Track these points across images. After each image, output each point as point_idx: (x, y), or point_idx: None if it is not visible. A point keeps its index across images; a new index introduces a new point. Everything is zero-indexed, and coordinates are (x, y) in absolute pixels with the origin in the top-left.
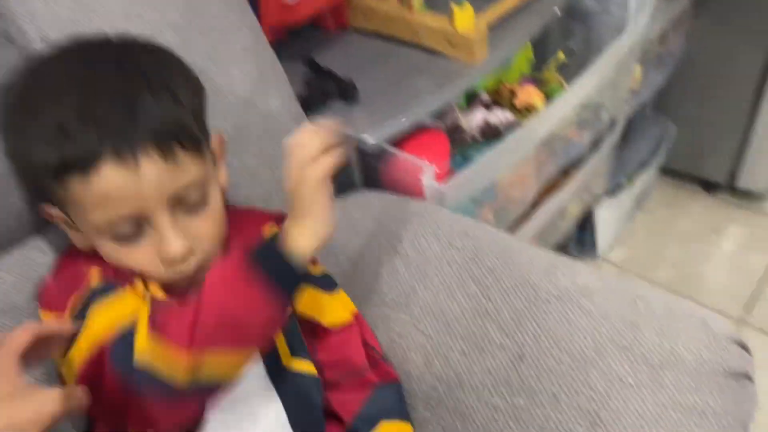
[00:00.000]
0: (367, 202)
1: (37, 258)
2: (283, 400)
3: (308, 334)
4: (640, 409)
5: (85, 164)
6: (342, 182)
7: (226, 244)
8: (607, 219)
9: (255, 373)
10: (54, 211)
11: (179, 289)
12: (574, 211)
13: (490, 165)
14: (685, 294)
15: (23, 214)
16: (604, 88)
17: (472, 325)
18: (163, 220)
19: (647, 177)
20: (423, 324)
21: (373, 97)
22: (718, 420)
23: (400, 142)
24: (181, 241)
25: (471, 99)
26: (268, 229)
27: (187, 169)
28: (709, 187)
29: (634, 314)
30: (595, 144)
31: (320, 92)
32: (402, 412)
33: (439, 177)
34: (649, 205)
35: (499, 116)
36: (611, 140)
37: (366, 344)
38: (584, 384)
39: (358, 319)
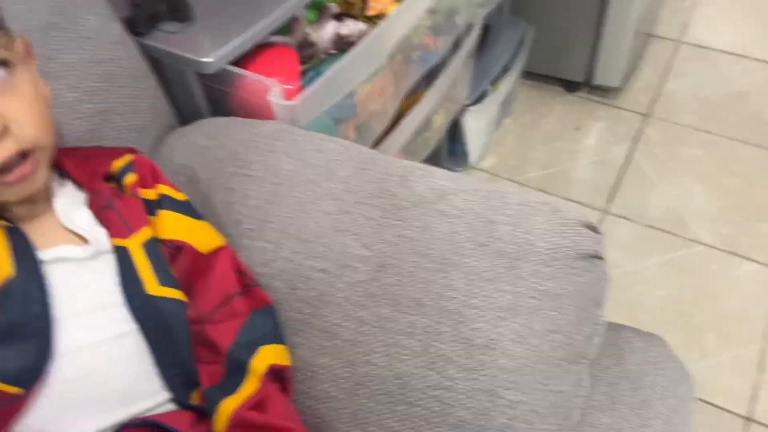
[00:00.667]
0: (214, 129)
1: None
2: (149, 328)
3: (179, 262)
4: (500, 301)
5: None
6: (187, 111)
7: (71, 177)
8: (474, 128)
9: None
10: None
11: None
12: (441, 122)
13: (342, 76)
14: (552, 192)
15: None
16: None
17: (331, 242)
18: None
19: (510, 82)
20: (282, 249)
21: (210, 15)
22: (573, 300)
23: (244, 62)
24: None
25: (320, 12)
26: (118, 163)
27: None
28: (569, 86)
29: (489, 211)
30: (453, 50)
31: (149, 13)
32: (278, 335)
33: (291, 95)
34: (514, 110)
35: (351, 27)
36: (469, 45)
37: (239, 272)
38: (446, 286)
39: (229, 247)
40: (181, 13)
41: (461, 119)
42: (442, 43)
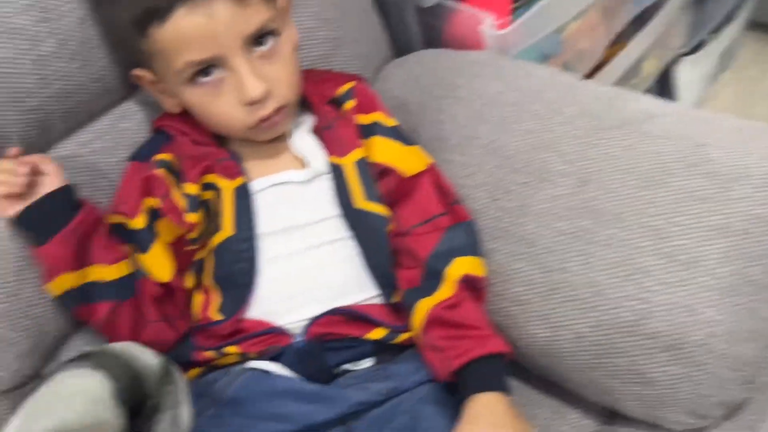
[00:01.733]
0: (428, 59)
1: (124, 124)
2: (357, 237)
3: (386, 183)
4: (708, 220)
5: (162, 13)
6: (402, 44)
7: (304, 98)
8: (688, 80)
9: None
10: (143, 73)
11: (260, 145)
12: (651, 70)
13: (552, 9)
14: None
15: (112, 81)
16: None
17: (532, 158)
18: (241, 63)
19: (734, 31)
20: (485, 163)
21: None
22: None
23: None
24: (259, 82)
25: None
26: (342, 89)
27: (258, 10)
28: None
29: (700, 135)
30: None
31: None
32: (474, 248)
33: (502, 27)
34: (735, 64)
35: None
36: None
37: (441, 189)
38: (650, 203)
39: (433, 169)
40: None
41: (674, 69)
42: None
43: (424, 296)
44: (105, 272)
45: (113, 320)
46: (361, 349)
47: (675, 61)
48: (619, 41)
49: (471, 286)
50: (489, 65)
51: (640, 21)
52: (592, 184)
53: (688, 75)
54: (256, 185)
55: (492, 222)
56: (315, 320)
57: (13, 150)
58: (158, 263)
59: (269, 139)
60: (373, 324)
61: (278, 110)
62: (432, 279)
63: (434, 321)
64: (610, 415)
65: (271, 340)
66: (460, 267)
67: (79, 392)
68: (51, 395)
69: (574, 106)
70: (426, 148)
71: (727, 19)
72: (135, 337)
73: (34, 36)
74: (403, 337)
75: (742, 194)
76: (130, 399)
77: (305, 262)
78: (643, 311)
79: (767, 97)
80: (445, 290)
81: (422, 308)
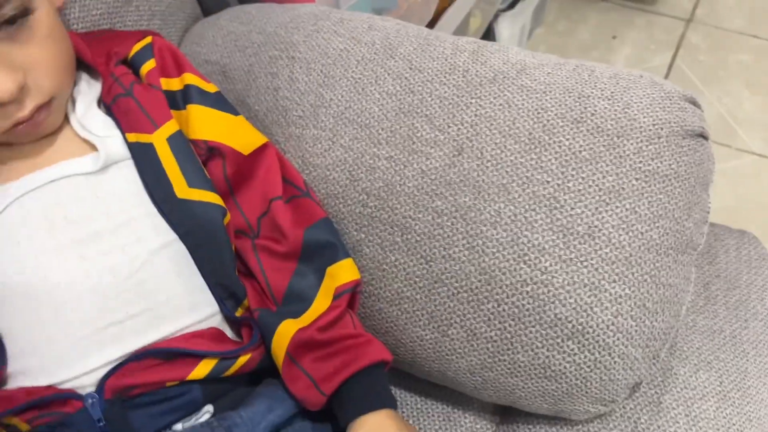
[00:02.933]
0: (246, 14)
1: None
2: (184, 237)
3: (216, 166)
4: (600, 183)
5: None
6: (213, 3)
7: (87, 64)
8: (508, 35)
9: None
10: None
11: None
12: (477, 25)
13: None
14: None
15: None
16: None
17: (397, 126)
18: None
19: None
20: (340, 136)
21: None
22: (681, 182)
23: None
24: (6, 75)
25: None
26: (136, 47)
27: None
28: None
29: (579, 84)
30: None
31: None
32: (340, 249)
33: None
34: (547, 19)
35: None
36: None
37: (285, 181)
38: (537, 168)
39: (273, 146)
40: None
41: (494, 26)
42: None
43: (287, 318)
44: None
45: None
46: (188, 397)
47: (495, 17)
48: None
49: (346, 295)
50: (325, 18)
51: None
52: (469, 152)
53: (508, 30)
54: (18, 186)
55: (356, 207)
56: (113, 371)
57: None
58: None
59: (36, 139)
60: (197, 357)
61: (40, 108)
62: (295, 303)
63: (303, 346)
64: (503, 412)
65: (52, 407)
66: (332, 277)
67: None
68: None
69: (435, 62)
70: (261, 122)
71: None
72: None
73: None
74: (242, 361)
75: (633, 149)
76: None
77: (102, 286)
78: (543, 296)
79: (578, 49)
80: (316, 308)
81: (286, 332)
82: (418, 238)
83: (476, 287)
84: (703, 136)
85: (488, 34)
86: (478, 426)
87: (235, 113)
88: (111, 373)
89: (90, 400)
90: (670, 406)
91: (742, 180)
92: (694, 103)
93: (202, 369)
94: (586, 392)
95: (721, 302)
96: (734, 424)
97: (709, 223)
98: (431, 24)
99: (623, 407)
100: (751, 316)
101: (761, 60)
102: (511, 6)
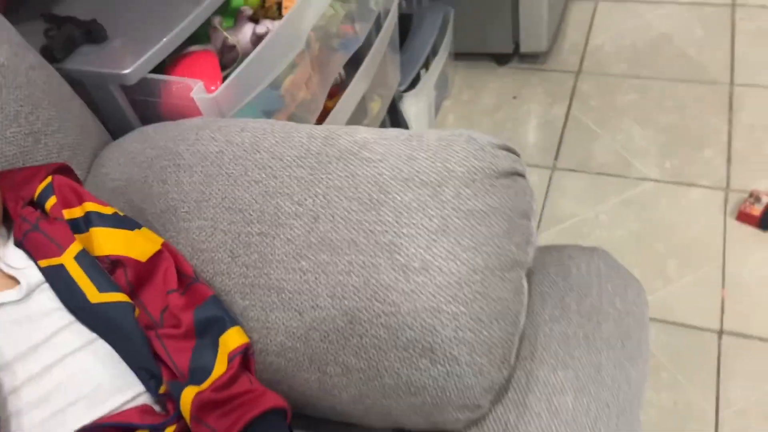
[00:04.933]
0: (144, 134)
1: None
2: (104, 335)
3: (122, 275)
4: (428, 225)
5: None
6: (118, 127)
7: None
8: (415, 112)
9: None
10: None
11: None
12: (377, 109)
13: (259, 65)
14: None
15: None
16: None
17: (264, 206)
18: None
19: (441, 63)
20: (219, 221)
21: (124, 33)
22: (497, 215)
23: (167, 71)
24: None
25: (236, 17)
26: (39, 188)
27: None
28: (500, 59)
29: (409, 149)
30: (375, 36)
31: (64, 40)
32: (230, 320)
33: (211, 92)
34: (452, 92)
35: (268, 25)
36: (389, 30)
37: (180, 274)
38: (377, 222)
39: (167, 247)
40: (95, 35)
41: (400, 106)
42: (361, 30)
43: (189, 385)
44: None
45: None
46: None
47: (399, 98)
48: (343, 87)
49: (238, 357)
50: (206, 128)
51: (354, 65)
52: (323, 218)
53: (414, 108)
54: None
55: (239, 279)
56: None
57: None
58: None
59: None
60: (131, 429)
61: None
62: (198, 373)
63: (204, 406)
64: None
65: None
66: (225, 344)
67: None
68: None
69: (293, 150)
70: (157, 222)
71: (433, 53)
72: None
73: None
74: (170, 431)
75: (452, 194)
76: None
77: (49, 384)
78: (394, 325)
79: (484, 113)
80: (215, 374)
81: (187, 397)
82: (290, 295)
83: (341, 327)
84: (518, 174)
85: (395, 113)
86: None
87: (132, 227)
88: None
89: None
90: (534, 404)
91: (643, 205)
92: (508, 149)
93: None
94: (448, 401)
95: (575, 310)
96: (591, 410)
97: (563, 244)
98: (324, 114)
99: (494, 412)
100: (603, 318)
101: (645, 97)
102: (412, 86)
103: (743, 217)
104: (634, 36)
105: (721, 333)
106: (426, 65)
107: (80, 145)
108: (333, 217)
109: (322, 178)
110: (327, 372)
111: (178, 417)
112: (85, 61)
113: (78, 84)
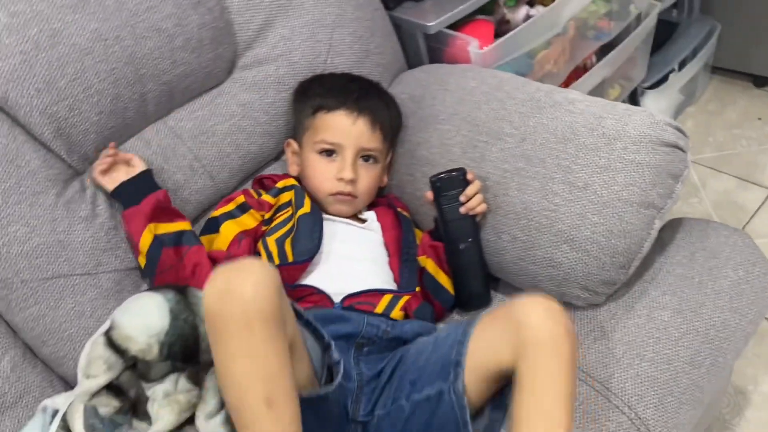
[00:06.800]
0: (429, 68)
1: (219, 100)
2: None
3: None
4: (597, 161)
5: (332, 107)
6: (414, 62)
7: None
8: (654, 109)
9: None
10: (292, 142)
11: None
12: (615, 95)
13: (521, 37)
14: (722, 170)
15: (214, 70)
16: None
17: (492, 125)
18: (350, 156)
19: (693, 71)
20: (461, 129)
21: None
22: (651, 170)
23: (457, 29)
24: (352, 172)
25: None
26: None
27: (377, 139)
28: (758, 81)
29: (602, 111)
30: (627, 34)
31: None
32: None
33: (483, 48)
34: (699, 100)
35: (540, 10)
36: (643, 31)
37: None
38: (562, 152)
39: None
40: None
41: (642, 101)
42: (616, 27)
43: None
44: (173, 227)
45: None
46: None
47: (642, 92)
48: (585, 68)
49: None
50: (471, 71)
51: (602, 55)
52: (528, 140)
53: (654, 105)
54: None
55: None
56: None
57: (111, 144)
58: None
59: (335, 213)
60: (381, 293)
61: (350, 194)
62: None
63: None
64: None
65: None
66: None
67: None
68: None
69: (523, 94)
70: (422, 123)
71: (688, 60)
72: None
73: (171, 34)
74: (405, 299)
75: (621, 147)
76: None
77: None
78: (552, 217)
79: (722, 128)
80: None
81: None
82: (491, 185)
83: (518, 211)
84: (679, 148)
85: (634, 105)
86: None
87: None
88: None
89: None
90: (639, 309)
91: None
92: (678, 129)
93: (384, 301)
94: (575, 280)
95: (699, 263)
96: (681, 328)
97: (714, 221)
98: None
99: (607, 304)
100: (721, 276)
101: None
102: (657, 85)
103: None
104: None
105: None
106: (679, 69)
107: (389, 67)
108: (535, 141)
109: (535, 116)
110: (501, 238)
111: (412, 293)
112: (406, 12)
113: (397, 27)
